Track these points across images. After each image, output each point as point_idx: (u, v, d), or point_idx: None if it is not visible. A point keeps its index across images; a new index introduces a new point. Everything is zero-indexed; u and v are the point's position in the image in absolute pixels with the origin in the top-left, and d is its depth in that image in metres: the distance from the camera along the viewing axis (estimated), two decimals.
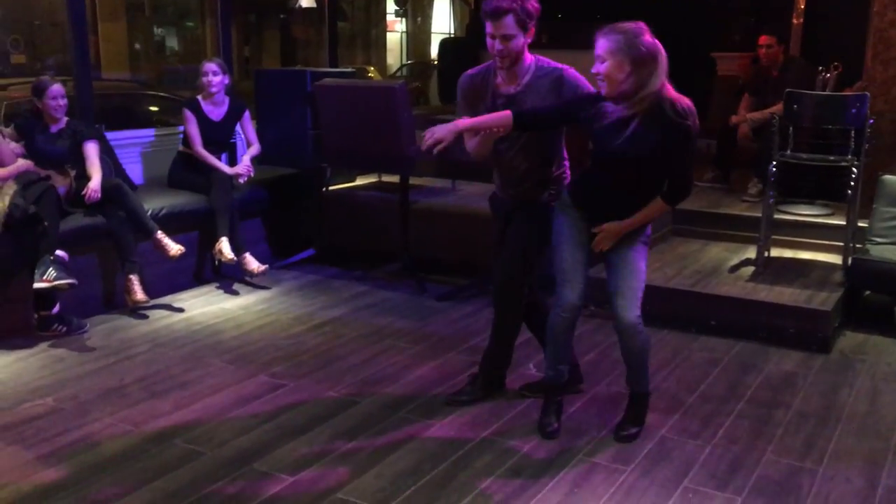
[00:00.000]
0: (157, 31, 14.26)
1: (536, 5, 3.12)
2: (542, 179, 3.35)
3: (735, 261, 5.10)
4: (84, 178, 4.58)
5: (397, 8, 18.18)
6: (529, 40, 3.13)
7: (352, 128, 5.31)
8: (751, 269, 4.89)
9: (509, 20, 3.06)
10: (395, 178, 5.80)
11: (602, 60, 2.89)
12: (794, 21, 8.11)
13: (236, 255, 5.03)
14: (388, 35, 18.58)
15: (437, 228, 5.49)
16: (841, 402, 3.63)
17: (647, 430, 3.33)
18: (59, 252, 4.19)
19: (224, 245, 4.99)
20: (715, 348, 4.24)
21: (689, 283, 4.65)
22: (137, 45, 13.43)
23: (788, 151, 4.99)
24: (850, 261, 4.62)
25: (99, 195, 4.49)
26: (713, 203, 5.89)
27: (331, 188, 6.08)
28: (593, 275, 4.77)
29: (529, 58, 3.21)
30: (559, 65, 3.23)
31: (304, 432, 3.28)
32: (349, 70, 6.76)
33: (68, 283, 4.12)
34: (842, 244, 4.84)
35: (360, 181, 6.49)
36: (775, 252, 5.12)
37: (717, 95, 8.12)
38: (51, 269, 4.09)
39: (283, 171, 5.89)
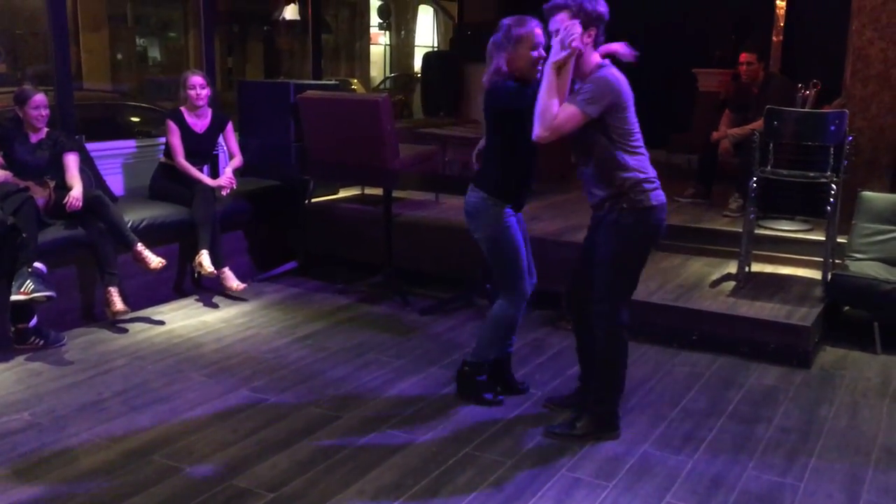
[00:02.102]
0: (140, 41, 14.19)
1: (594, 5, 3.10)
2: (603, 186, 3.24)
3: (716, 275, 5.13)
4: (63, 188, 4.54)
5: (381, 21, 18.22)
6: (589, 40, 3.12)
7: (335, 140, 5.31)
8: (732, 283, 4.92)
9: (561, 16, 3.10)
10: (378, 191, 5.80)
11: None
12: (774, 38, 8.21)
13: (216, 268, 5.00)
14: (372, 48, 18.61)
15: (420, 242, 5.48)
16: (822, 417, 3.65)
17: (629, 445, 3.34)
18: (37, 264, 4.14)
19: (204, 258, 4.95)
20: (696, 363, 4.26)
21: (670, 298, 4.67)
22: (119, 56, 13.35)
23: (769, 167, 5.03)
24: (829, 276, 4.66)
25: (80, 203, 4.45)
26: (694, 218, 5.92)
27: (313, 200, 6.06)
28: None
29: (595, 61, 3.16)
30: (609, 70, 3.15)
31: (286, 447, 3.25)
32: (333, 82, 6.76)
33: (46, 296, 4.07)
34: (821, 260, 4.88)
35: (342, 193, 6.48)
36: (756, 267, 5.15)
37: (699, 111, 8.19)
38: (28, 281, 4.04)
39: (265, 184, 5.87)
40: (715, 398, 3.82)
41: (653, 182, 3.24)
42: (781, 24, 8.23)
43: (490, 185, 3.49)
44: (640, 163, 3.22)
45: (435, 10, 18.24)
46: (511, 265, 3.53)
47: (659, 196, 3.25)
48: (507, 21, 3.40)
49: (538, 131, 3.11)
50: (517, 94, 3.34)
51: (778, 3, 8.31)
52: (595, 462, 3.19)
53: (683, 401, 3.78)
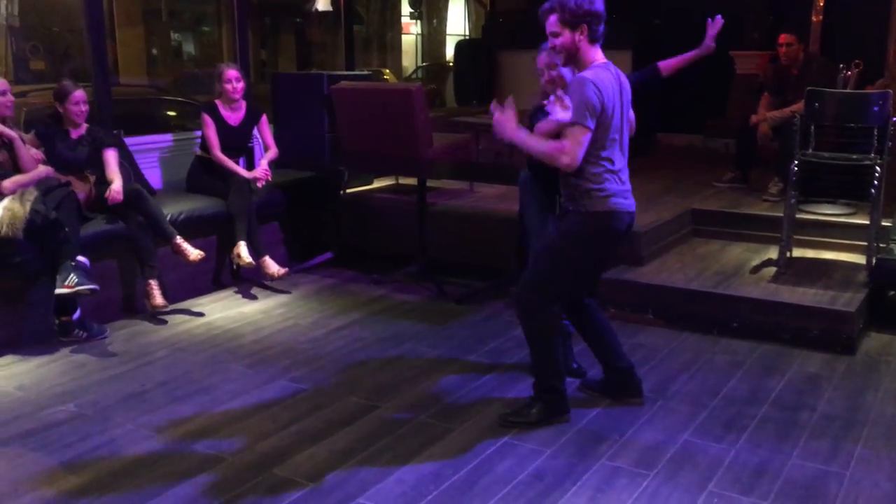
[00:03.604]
0: (174, 36, 14.35)
1: (579, 4, 3.12)
2: (565, 186, 3.31)
3: (756, 261, 5.05)
4: (104, 183, 4.60)
5: (412, 10, 18.20)
6: (582, 37, 3.15)
7: (369, 130, 5.32)
8: (773, 269, 4.84)
9: (552, 19, 3.20)
10: (412, 181, 5.80)
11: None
12: (814, 19, 8.02)
13: (255, 258, 5.04)
14: (404, 37, 18.61)
15: (455, 231, 5.48)
16: (867, 405, 3.58)
17: (670, 433, 3.30)
18: (80, 258, 4.21)
19: (242, 249, 4.99)
20: (737, 350, 4.20)
21: (710, 285, 4.61)
22: (155, 51, 13.51)
23: (810, 150, 4.93)
24: (874, 261, 4.56)
25: (121, 197, 4.51)
26: (733, 203, 5.83)
27: (348, 191, 6.08)
28: (611, 276, 4.76)
29: (593, 57, 3.19)
30: (591, 71, 3.15)
31: (325, 437, 3.27)
32: (365, 73, 6.76)
33: (90, 289, 4.14)
34: (865, 244, 4.78)
35: (377, 184, 6.49)
36: (797, 252, 5.06)
37: (736, 94, 8.06)
38: (72, 274, 4.10)
39: (300, 175, 5.90)
40: (757, 386, 3.77)
41: (606, 192, 3.18)
42: (821, 4, 8.04)
43: None
44: (598, 174, 3.17)
45: None
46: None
47: (613, 204, 3.20)
48: None
49: (563, 168, 3.15)
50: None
51: None
52: (635, 451, 3.16)
53: (724, 389, 3.73)
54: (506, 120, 3.24)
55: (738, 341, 4.31)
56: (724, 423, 3.40)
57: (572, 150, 3.09)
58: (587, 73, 3.12)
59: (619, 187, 3.22)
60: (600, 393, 3.63)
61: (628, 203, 3.27)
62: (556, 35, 3.18)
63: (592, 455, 3.13)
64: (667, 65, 4.16)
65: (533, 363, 3.44)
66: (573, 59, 3.21)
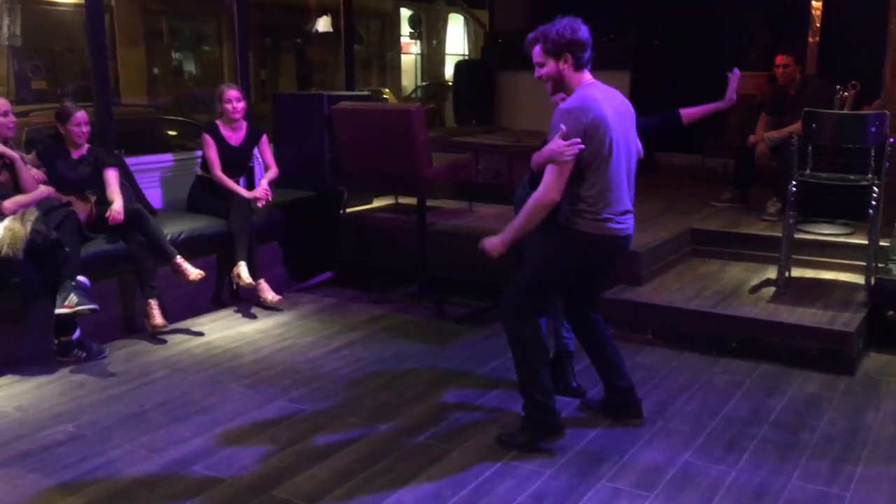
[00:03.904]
0: (175, 55, 14.43)
1: (560, 34, 3.16)
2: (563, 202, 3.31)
3: (755, 281, 5.06)
4: (104, 203, 4.61)
5: (412, 30, 18.33)
6: (566, 65, 3.19)
7: (369, 150, 5.33)
8: (772, 289, 4.85)
9: (537, 49, 3.25)
10: (411, 200, 5.81)
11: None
12: (810, 40, 8.08)
13: (253, 279, 5.04)
14: (403, 57, 18.72)
15: (455, 250, 5.48)
16: (867, 425, 3.58)
17: (670, 454, 3.30)
18: (80, 278, 4.22)
19: (242, 269, 5.00)
20: (737, 370, 4.20)
21: (709, 305, 4.61)
22: (156, 70, 13.59)
23: (808, 171, 4.96)
24: (872, 280, 4.57)
25: (122, 217, 4.52)
26: (732, 223, 5.85)
27: (348, 210, 6.10)
28: (609, 296, 4.76)
29: (579, 83, 3.21)
30: (572, 98, 3.19)
31: (324, 458, 3.26)
32: (365, 93, 6.80)
33: (90, 309, 4.14)
34: (864, 264, 4.79)
35: (376, 203, 6.51)
36: (796, 272, 5.07)
37: (734, 114, 8.08)
38: (72, 294, 4.11)
39: (300, 194, 5.92)
40: (757, 406, 3.76)
41: (599, 214, 3.19)
42: (818, 25, 8.10)
43: None
44: (592, 195, 3.17)
45: (465, 19, 18.30)
46: None
47: (606, 228, 3.21)
48: None
49: (550, 203, 3.15)
50: None
51: (814, 2, 8.17)
52: (635, 472, 3.16)
53: (724, 409, 3.73)
54: (490, 241, 3.34)
55: (737, 361, 4.30)
56: (724, 443, 3.40)
57: (552, 186, 3.11)
58: (566, 105, 3.14)
59: (613, 210, 3.20)
60: (600, 413, 3.63)
61: (622, 227, 3.25)
62: (541, 65, 3.22)
63: (593, 476, 3.12)
64: (689, 114, 4.23)
65: (518, 378, 3.41)
66: (560, 86, 3.24)
